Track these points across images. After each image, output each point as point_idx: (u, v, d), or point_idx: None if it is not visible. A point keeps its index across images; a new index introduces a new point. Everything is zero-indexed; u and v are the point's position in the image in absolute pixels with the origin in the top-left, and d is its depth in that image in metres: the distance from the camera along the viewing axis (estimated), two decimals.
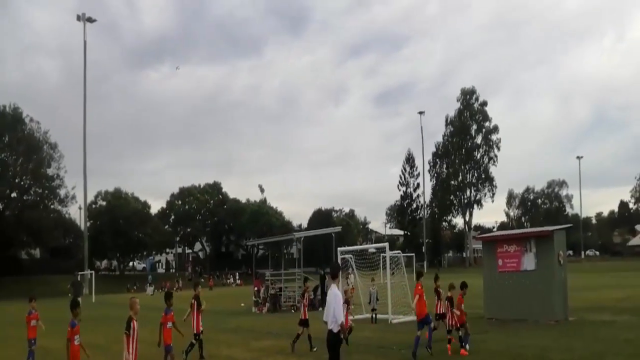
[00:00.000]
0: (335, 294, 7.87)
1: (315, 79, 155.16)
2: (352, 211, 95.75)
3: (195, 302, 12.39)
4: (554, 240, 16.61)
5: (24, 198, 58.16)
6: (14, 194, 57.76)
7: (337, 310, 7.70)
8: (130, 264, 76.36)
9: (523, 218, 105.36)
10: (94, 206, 64.19)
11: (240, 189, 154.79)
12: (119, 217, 62.22)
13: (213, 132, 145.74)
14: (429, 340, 11.53)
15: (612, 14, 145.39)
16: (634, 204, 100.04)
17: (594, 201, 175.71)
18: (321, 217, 76.15)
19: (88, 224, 58.82)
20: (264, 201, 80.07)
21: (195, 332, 12.25)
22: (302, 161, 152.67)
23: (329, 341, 7.82)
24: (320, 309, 23.84)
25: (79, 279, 28.43)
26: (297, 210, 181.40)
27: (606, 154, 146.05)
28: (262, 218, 71.88)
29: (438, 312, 12.27)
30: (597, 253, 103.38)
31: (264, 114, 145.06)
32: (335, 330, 7.68)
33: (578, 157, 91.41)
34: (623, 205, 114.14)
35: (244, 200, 79.40)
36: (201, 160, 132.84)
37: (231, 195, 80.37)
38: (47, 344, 16.60)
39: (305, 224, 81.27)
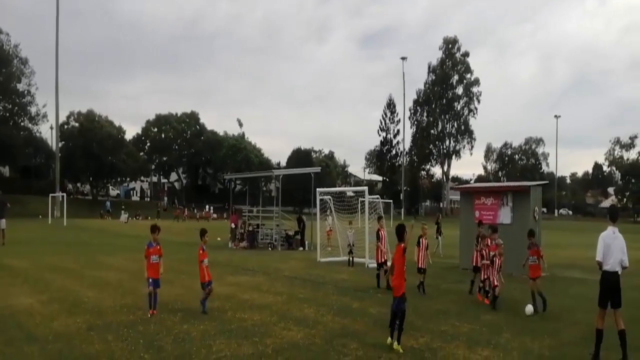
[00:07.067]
0: (618, 236, 8.06)
1: (299, 13, 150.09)
2: (331, 153, 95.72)
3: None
4: (530, 196, 16.64)
5: None
6: None
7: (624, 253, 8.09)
8: (104, 190, 75.29)
9: (500, 172, 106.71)
10: (65, 127, 61.99)
11: (218, 121, 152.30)
12: (91, 140, 60.46)
13: (193, 60, 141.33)
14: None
15: None
16: (608, 167, 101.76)
17: (569, 161, 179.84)
18: (300, 157, 75.60)
19: (60, 144, 57.19)
20: (242, 135, 78.84)
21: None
22: (283, 98, 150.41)
23: (614, 284, 7.93)
24: (301, 248, 23.88)
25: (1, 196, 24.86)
26: (275, 148, 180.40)
27: (584, 116, 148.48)
28: (240, 153, 70.93)
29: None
30: (570, 212, 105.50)
31: (246, 46, 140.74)
32: (620, 271, 8.00)
33: (556, 116, 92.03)
34: (597, 167, 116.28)
35: (221, 133, 78.13)
36: (179, 87, 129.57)
37: (209, 127, 78.96)
38: (16, 264, 16.20)
39: (284, 162, 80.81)
